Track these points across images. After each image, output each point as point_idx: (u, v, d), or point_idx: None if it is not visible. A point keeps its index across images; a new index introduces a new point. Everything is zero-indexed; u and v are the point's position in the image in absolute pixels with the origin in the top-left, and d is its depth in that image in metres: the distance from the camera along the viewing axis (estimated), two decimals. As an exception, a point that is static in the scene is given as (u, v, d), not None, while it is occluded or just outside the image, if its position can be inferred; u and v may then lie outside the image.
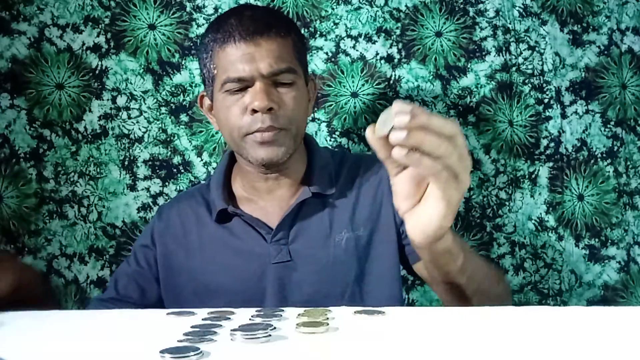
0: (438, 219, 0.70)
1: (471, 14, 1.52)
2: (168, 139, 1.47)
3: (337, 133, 1.48)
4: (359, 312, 0.68)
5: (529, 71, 1.54)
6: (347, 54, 1.51)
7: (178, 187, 1.45)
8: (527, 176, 1.53)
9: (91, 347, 0.56)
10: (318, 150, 1.13)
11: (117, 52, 1.47)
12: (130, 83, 1.47)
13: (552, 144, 1.54)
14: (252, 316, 0.67)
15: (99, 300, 1.13)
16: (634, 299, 1.51)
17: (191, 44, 1.48)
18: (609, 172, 1.54)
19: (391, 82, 1.51)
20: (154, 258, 1.11)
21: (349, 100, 1.50)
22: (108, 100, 1.47)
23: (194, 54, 1.48)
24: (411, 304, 1.46)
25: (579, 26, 1.56)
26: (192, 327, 0.62)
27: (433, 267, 0.83)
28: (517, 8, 1.53)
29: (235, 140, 1.02)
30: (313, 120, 1.48)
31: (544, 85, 1.55)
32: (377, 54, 1.51)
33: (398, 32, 1.51)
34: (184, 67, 1.48)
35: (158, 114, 1.47)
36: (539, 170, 1.53)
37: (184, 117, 1.47)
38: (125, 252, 1.43)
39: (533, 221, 1.52)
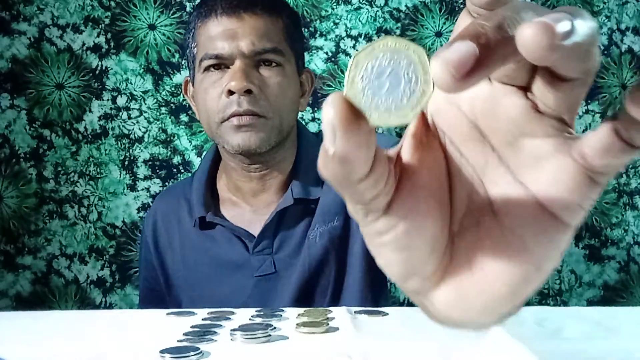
0: (517, 286, 0.29)
1: (471, 14, 1.52)
2: (168, 139, 1.47)
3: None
4: (359, 312, 0.68)
5: (529, 71, 1.55)
6: (347, 54, 1.51)
7: (178, 187, 1.45)
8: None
9: (91, 347, 0.56)
10: (307, 145, 0.99)
11: (117, 52, 1.48)
12: (130, 83, 1.48)
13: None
14: (252, 316, 0.67)
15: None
16: (634, 299, 1.51)
17: (191, 44, 1.48)
18: (609, 172, 1.54)
19: (391, 82, 1.51)
20: (153, 266, 1.07)
21: (349, 100, 1.50)
22: (108, 100, 1.47)
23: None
24: (411, 304, 1.46)
25: (579, 26, 1.56)
26: (192, 327, 0.62)
27: None
28: (517, 8, 1.53)
29: (211, 128, 0.90)
30: (313, 120, 1.48)
31: (544, 85, 1.55)
32: (377, 54, 1.51)
33: (398, 32, 1.52)
34: (184, 67, 1.48)
35: (158, 114, 1.47)
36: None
37: (184, 117, 1.47)
38: (125, 252, 1.43)
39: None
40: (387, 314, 0.69)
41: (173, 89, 1.48)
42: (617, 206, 1.53)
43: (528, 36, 0.20)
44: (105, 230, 1.45)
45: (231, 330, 0.58)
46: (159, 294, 1.00)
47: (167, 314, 0.71)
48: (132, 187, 1.46)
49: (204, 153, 1.46)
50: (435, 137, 0.28)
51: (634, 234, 1.53)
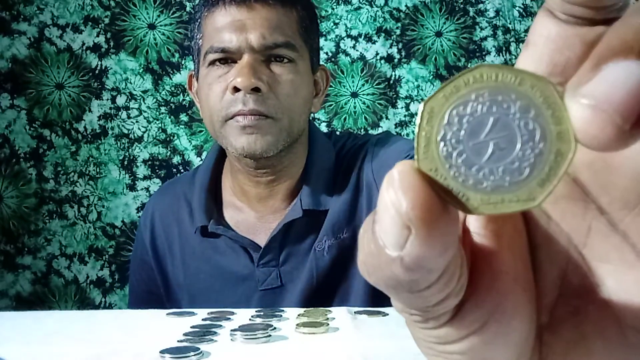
0: None
1: (471, 14, 1.52)
2: (168, 139, 1.47)
3: (338, 133, 1.48)
4: (359, 312, 0.68)
5: (529, 71, 1.55)
6: (347, 54, 1.51)
7: (178, 187, 1.45)
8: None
9: (91, 347, 0.56)
10: (320, 149, 0.91)
11: (117, 51, 1.47)
12: (130, 83, 1.47)
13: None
14: (252, 316, 0.67)
15: None
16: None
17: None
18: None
19: (391, 82, 1.51)
20: (151, 268, 1.03)
21: (349, 100, 1.50)
22: (108, 100, 1.47)
23: (193, 54, 1.48)
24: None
25: (579, 26, 1.57)
26: (192, 327, 0.61)
27: None
28: (517, 8, 1.53)
29: (214, 127, 0.82)
30: (313, 119, 1.48)
31: (544, 85, 1.55)
32: (377, 54, 1.51)
33: (398, 32, 1.52)
34: (183, 67, 1.48)
35: (158, 113, 1.47)
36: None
37: (183, 117, 1.47)
38: (125, 252, 1.43)
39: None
40: (387, 314, 0.69)
41: (173, 88, 1.48)
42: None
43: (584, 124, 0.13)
44: (105, 230, 1.45)
45: (231, 330, 0.58)
46: (157, 298, 0.96)
47: (167, 314, 0.71)
48: (132, 187, 1.46)
49: (204, 153, 1.46)
50: None
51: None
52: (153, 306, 0.93)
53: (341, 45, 1.51)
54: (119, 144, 1.47)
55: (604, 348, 0.18)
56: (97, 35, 1.47)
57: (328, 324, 0.62)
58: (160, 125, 1.48)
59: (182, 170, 1.46)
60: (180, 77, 1.48)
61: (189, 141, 1.47)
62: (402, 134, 1.52)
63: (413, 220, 0.14)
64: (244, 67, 0.77)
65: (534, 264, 0.19)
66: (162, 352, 0.52)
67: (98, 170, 1.46)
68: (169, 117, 1.48)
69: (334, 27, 1.50)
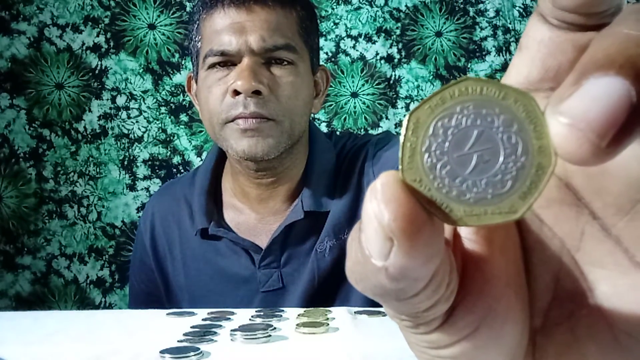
0: None
1: (471, 14, 1.53)
2: (168, 139, 1.47)
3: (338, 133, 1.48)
4: (359, 312, 0.68)
5: (529, 71, 1.55)
6: (347, 54, 1.51)
7: (178, 187, 1.45)
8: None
9: (91, 347, 0.56)
10: (320, 150, 0.91)
11: (117, 52, 1.47)
12: (130, 83, 1.47)
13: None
14: (252, 316, 0.67)
15: None
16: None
17: (191, 44, 1.49)
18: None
19: (391, 82, 1.51)
20: (151, 269, 1.03)
21: (349, 100, 1.50)
22: (108, 100, 1.47)
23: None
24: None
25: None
26: (192, 327, 0.61)
27: None
28: (517, 8, 1.53)
29: (214, 130, 0.81)
30: (313, 119, 1.48)
31: (544, 85, 1.55)
32: (377, 54, 1.51)
33: (398, 32, 1.52)
34: (183, 67, 1.48)
35: (158, 113, 1.47)
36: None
37: (183, 117, 1.47)
38: (125, 252, 1.43)
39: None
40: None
41: (173, 88, 1.48)
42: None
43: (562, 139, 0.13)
44: (105, 230, 1.45)
45: (231, 330, 0.58)
46: (158, 299, 0.95)
47: (167, 314, 0.71)
48: (132, 187, 1.46)
49: (204, 153, 1.46)
50: None
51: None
52: (153, 307, 0.93)
53: (341, 45, 1.51)
54: (119, 144, 1.47)
55: (597, 352, 0.18)
56: (97, 35, 1.47)
57: (328, 324, 0.62)
58: (160, 125, 1.48)
59: (182, 171, 1.46)
60: (180, 77, 1.48)
61: (189, 141, 1.47)
62: (402, 134, 1.52)
63: (395, 232, 0.14)
64: (244, 70, 0.77)
65: (527, 267, 0.19)
66: (162, 352, 0.52)
67: (98, 170, 1.46)
68: (169, 117, 1.48)
69: (334, 27, 1.50)
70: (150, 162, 1.47)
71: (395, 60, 1.51)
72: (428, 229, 0.14)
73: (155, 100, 1.48)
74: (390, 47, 1.51)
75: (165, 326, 0.65)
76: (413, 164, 0.15)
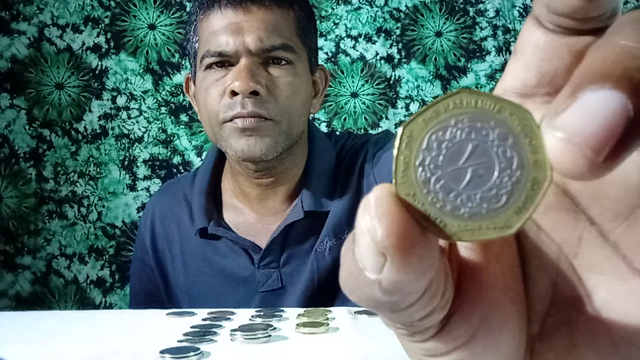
0: None
1: (471, 14, 1.53)
2: (168, 139, 1.47)
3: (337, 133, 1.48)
4: (359, 312, 0.68)
5: (529, 71, 1.55)
6: (347, 54, 1.51)
7: (178, 187, 1.45)
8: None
9: (91, 347, 0.56)
10: (320, 150, 0.91)
11: (117, 52, 1.47)
12: (130, 83, 1.47)
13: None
14: (252, 316, 0.67)
15: None
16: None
17: (191, 44, 1.49)
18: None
19: (391, 82, 1.51)
20: (152, 269, 1.03)
21: (349, 100, 1.50)
22: (108, 100, 1.47)
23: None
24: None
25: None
26: (192, 327, 0.61)
27: None
28: (517, 8, 1.53)
29: (213, 130, 0.81)
30: (313, 119, 1.48)
31: (544, 85, 1.55)
32: (377, 54, 1.51)
33: (398, 32, 1.52)
34: (184, 67, 1.48)
35: (158, 114, 1.47)
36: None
37: (184, 117, 1.47)
38: (125, 252, 1.43)
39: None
40: (387, 314, 0.69)
41: (173, 89, 1.48)
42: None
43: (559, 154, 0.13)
44: (105, 230, 1.45)
45: (231, 330, 0.58)
46: (158, 299, 0.96)
47: (167, 314, 0.71)
48: (132, 187, 1.46)
49: (204, 153, 1.46)
50: None
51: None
52: (153, 307, 0.93)
53: (341, 45, 1.51)
54: (119, 144, 1.47)
55: (596, 358, 0.18)
56: (97, 36, 1.47)
57: (328, 324, 0.62)
58: (160, 125, 1.48)
59: (182, 171, 1.46)
60: (180, 78, 1.48)
61: (189, 141, 1.47)
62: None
63: (388, 248, 0.14)
64: (242, 70, 0.76)
65: (524, 274, 0.19)
66: (162, 352, 0.52)
67: (98, 170, 1.46)
68: (169, 118, 1.48)
69: (334, 27, 1.50)
70: (150, 162, 1.47)
71: (395, 60, 1.51)
72: (421, 244, 0.14)
73: (155, 100, 1.48)
74: (390, 47, 1.51)
75: (165, 326, 0.65)
76: (407, 178, 0.15)
